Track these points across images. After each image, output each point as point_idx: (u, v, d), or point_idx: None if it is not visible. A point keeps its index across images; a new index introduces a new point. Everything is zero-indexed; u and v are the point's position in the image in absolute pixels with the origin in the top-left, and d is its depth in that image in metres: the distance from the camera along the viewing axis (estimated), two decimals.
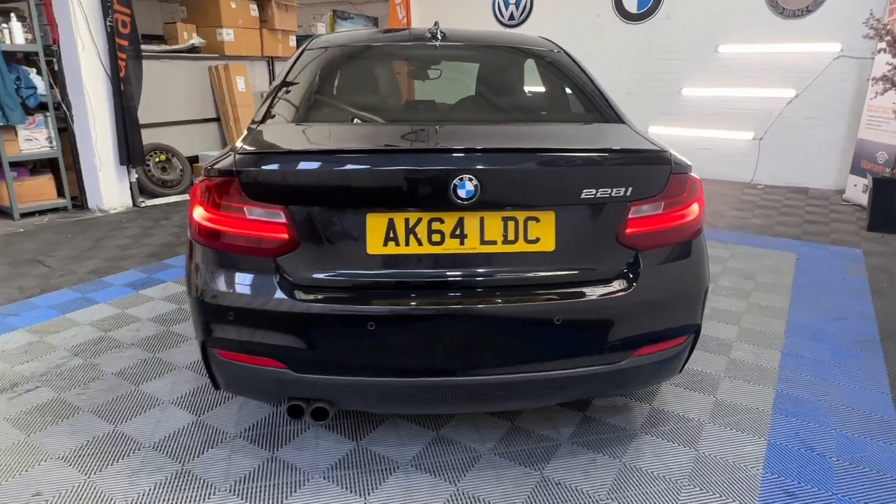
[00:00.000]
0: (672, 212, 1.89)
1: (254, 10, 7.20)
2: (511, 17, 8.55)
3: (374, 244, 1.77)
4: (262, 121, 2.22)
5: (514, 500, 1.95)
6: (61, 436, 2.28)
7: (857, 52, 6.41)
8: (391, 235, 1.76)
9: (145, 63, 5.86)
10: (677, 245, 1.93)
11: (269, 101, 2.34)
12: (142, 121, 5.85)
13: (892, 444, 2.25)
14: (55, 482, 2.03)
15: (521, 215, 1.79)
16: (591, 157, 1.85)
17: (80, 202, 5.88)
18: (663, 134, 7.75)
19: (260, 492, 1.98)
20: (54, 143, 5.60)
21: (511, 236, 1.79)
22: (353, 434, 2.28)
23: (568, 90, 2.60)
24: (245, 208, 1.77)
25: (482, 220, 1.77)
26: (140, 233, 5.11)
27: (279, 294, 1.75)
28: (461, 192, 1.70)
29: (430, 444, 2.22)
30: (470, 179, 1.69)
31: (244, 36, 7.12)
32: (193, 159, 6.72)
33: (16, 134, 5.35)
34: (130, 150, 5.67)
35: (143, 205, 6.04)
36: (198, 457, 2.16)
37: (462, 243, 1.78)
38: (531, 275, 1.82)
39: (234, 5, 6.91)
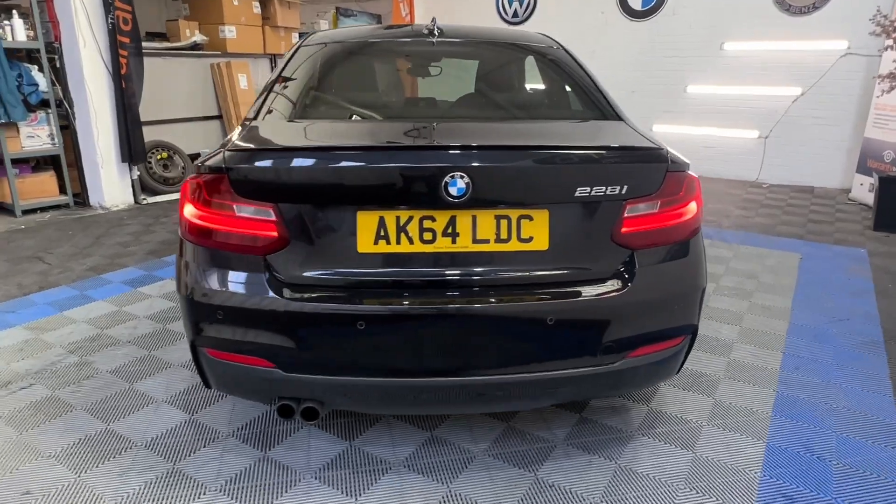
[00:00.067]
0: (669, 210, 1.86)
1: (256, 8, 7.19)
2: (515, 14, 8.51)
3: (365, 242, 1.74)
4: (256, 117, 2.20)
5: (506, 502, 1.92)
6: (53, 434, 2.27)
7: (864, 49, 6.33)
8: (382, 234, 1.74)
9: (148, 60, 5.86)
10: (674, 244, 1.90)
11: (263, 97, 2.32)
12: (144, 118, 5.85)
13: (893, 448, 2.21)
14: (45, 481, 2.02)
15: (514, 214, 1.76)
16: (585, 154, 1.82)
17: (82, 199, 5.89)
18: (668, 132, 7.70)
19: (250, 492, 1.96)
20: (56, 139, 5.61)
21: (504, 235, 1.77)
22: (347, 434, 2.26)
23: (566, 87, 2.57)
24: (234, 206, 1.75)
25: (474, 218, 1.75)
26: (141, 230, 5.11)
27: (268, 292, 1.73)
28: (452, 190, 1.67)
29: (424, 445, 2.20)
30: (461, 177, 1.66)
31: (246, 33, 7.12)
32: (195, 157, 6.71)
33: (18, 131, 5.37)
34: (132, 147, 5.67)
35: (144, 202, 6.04)
36: (189, 456, 2.14)
37: (454, 242, 1.75)
38: (524, 274, 1.79)
39: (236, 2, 6.90)
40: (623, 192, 1.78)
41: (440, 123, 2.11)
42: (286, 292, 1.74)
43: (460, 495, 1.95)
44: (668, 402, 2.49)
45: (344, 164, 1.73)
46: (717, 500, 1.94)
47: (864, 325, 3.25)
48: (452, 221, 1.74)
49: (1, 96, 5.07)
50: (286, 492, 1.97)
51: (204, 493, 1.96)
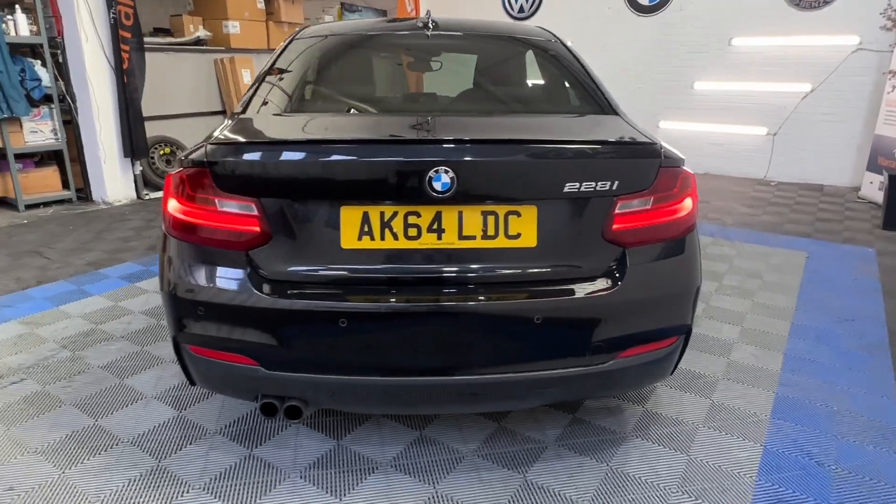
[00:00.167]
0: (662, 207, 1.81)
1: (260, 3, 7.17)
2: (521, 10, 8.44)
3: (349, 238, 1.71)
4: (244, 111, 2.17)
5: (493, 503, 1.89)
6: (42, 429, 2.26)
7: (875, 44, 6.22)
8: (366, 229, 1.70)
9: (151, 56, 5.86)
10: (668, 242, 1.85)
11: (252, 90, 2.28)
12: (147, 113, 5.85)
13: (895, 452, 2.15)
14: (30, 477, 2.00)
15: (501, 209, 1.72)
16: (574, 149, 1.77)
17: (84, 194, 5.90)
18: (674, 129, 7.62)
19: (234, 490, 1.94)
20: (59, 135, 5.61)
21: (491, 231, 1.72)
22: (335, 432, 2.23)
23: (561, 81, 2.52)
24: (216, 200, 1.72)
25: (460, 214, 1.71)
26: (142, 225, 5.11)
27: (250, 289, 1.70)
28: (437, 185, 1.63)
29: (413, 445, 2.17)
30: (446, 171, 1.62)
31: (250, 28, 7.10)
32: None
33: (21, 126, 5.38)
34: (134, 142, 5.67)
35: (147, 197, 6.04)
36: (175, 453, 2.12)
37: (439, 238, 1.71)
38: (512, 271, 1.75)
39: None
40: (614, 187, 1.73)
41: (428, 117, 2.07)
42: (268, 289, 1.71)
43: (446, 496, 1.92)
44: (664, 403, 2.44)
45: (326, 157, 1.69)
46: None
47: (869, 325, 3.18)
48: (438, 217, 1.70)
49: (4, 91, 5.08)
50: (270, 491, 1.94)
51: (187, 492, 1.93)
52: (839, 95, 6.54)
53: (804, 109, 6.77)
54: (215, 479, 1.99)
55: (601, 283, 1.77)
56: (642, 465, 2.07)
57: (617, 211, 1.76)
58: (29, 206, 5.55)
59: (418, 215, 1.70)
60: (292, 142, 1.80)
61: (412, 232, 1.71)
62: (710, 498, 1.92)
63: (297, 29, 2.78)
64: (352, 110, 2.30)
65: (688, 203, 1.87)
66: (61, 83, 5.56)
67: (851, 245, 4.60)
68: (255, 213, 1.70)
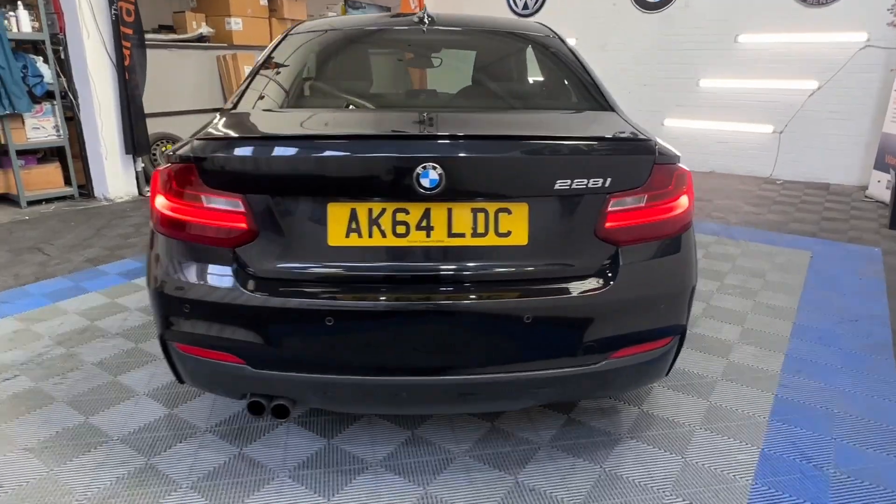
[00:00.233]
0: (656, 205, 1.77)
1: (263, 0, 7.15)
2: (525, 7, 8.38)
3: (336, 236, 1.68)
4: (235, 106, 2.15)
5: None
6: (32, 426, 2.25)
7: (883, 41, 6.13)
8: (353, 227, 1.68)
9: (154, 52, 5.85)
10: (662, 240, 1.81)
11: (245, 86, 2.26)
12: (149, 110, 5.84)
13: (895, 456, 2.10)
14: (18, 474, 1.99)
15: (491, 207, 1.68)
16: (565, 145, 1.73)
17: (87, 191, 5.90)
18: (679, 126, 7.55)
19: (222, 489, 1.92)
20: (61, 131, 5.62)
21: (481, 229, 1.69)
22: (326, 431, 2.21)
23: (558, 77, 2.48)
24: (203, 196, 1.70)
25: (450, 211, 1.68)
26: (142, 221, 5.10)
27: (236, 286, 1.68)
28: (424, 182, 1.60)
29: (404, 445, 2.14)
30: (434, 168, 1.59)
31: (253, 25, 7.08)
32: None
33: (23, 122, 5.38)
34: (135, 139, 5.67)
35: (148, 194, 6.04)
36: (165, 451, 2.10)
37: (428, 236, 1.68)
38: (502, 270, 1.72)
39: None
40: (607, 185, 1.70)
41: (419, 113, 2.04)
42: (254, 286, 1.68)
43: (436, 498, 1.89)
44: (661, 405, 2.41)
45: (312, 153, 1.67)
46: None
47: (873, 326, 3.12)
48: (427, 214, 1.67)
49: (6, 88, 5.09)
50: (258, 490, 1.92)
51: (175, 491, 1.91)
52: (846, 93, 6.46)
53: (811, 107, 6.69)
54: (203, 477, 1.97)
55: (593, 282, 1.73)
56: (636, 468, 2.04)
57: (610, 209, 1.73)
58: (31, 203, 5.56)
59: (407, 212, 1.67)
60: (277, 137, 1.78)
61: (400, 229, 1.68)
62: (704, 501, 1.88)
63: (291, 25, 2.76)
64: (343, 106, 2.28)
65: (683, 201, 1.83)
66: (63, 79, 5.56)
67: (857, 245, 4.54)
68: (242, 209, 1.68)
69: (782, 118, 6.88)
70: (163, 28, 6.98)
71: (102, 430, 2.23)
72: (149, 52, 5.80)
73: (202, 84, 6.81)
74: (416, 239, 1.69)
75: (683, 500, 1.88)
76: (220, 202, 1.69)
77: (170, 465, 2.03)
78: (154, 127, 6.02)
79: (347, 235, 1.68)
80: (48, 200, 5.67)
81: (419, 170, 1.59)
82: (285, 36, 2.54)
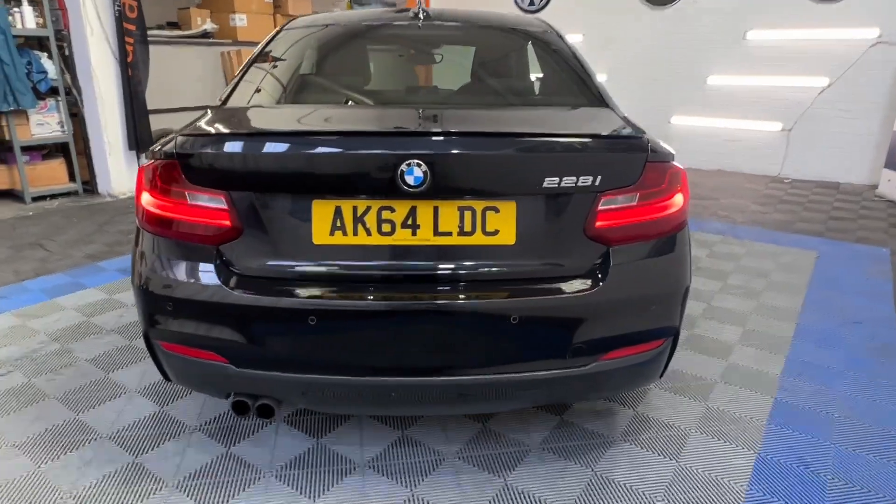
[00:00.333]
0: (649, 204, 1.73)
1: None
2: (531, 3, 8.32)
3: (320, 233, 1.65)
4: (225, 102, 2.13)
5: None
6: (23, 423, 2.24)
7: None
8: (338, 224, 1.65)
9: (158, 49, 5.86)
10: (655, 240, 1.77)
11: (235, 81, 2.24)
12: (153, 106, 5.85)
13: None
14: (5, 471, 1.98)
15: (478, 205, 1.65)
16: (553, 142, 1.69)
17: (91, 187, 5.92)
18: (687, 124, 7.46)
19: (207, 489, 1.90)
20: (65, 127, 5.64)
21: (468, 227, 1.66)
22: (315, 431, 2.19)
23: (553, 73, 2.44)
24: (186, 193, 1.68)
25: (436, 209, 1.64)
26: None
27: (218, 284, 1.66)
28: (409, 179, 1.56)
29: (393, 445, 2.12)
30: (418, 165, 1.56)
31: (257, 21, 7.07)
32: None
33: (27, 118, 5.40)
34: (138, 135, 5.68)
35: None
36: (152, 449, 2.09)
37: (414, 234, 1.65)
38: (489, 269, 1.69)
39: None
40: (597, 183, 1.66)
41: (407, 109, 2.01)
42: (236, 284, 1.66)
43: (422, 500, 1.86)
44: (657, 407, 2.36)
45: (295, 150, 1.64)
46: None
47: (878, 328, 3.06)
48: (413, 212, 1.64)
49: (10, 84, 5.11)
50: (243, 490, 1.90)
51: (160, 490, 1.90)
52: (857, 90, 6.34)
53: (821, 105, 6.58)
54: (189, 476, 1.96)
55: (583, 283, 1.69)
56: (628, 471, 2.00)
57: (600, 207, 1.69)
58: (35, 199, 5.58)
59: (392, 210, 1.64)
60: (259, 133, 1.76)
61: (386, 227, 1.65)
62: None
63: (289, 19, 2.74)
64: (334, 102, 2.25)
65: (677, 200, 1.78)
66: (67, 76, 5.58)
67: (865, 245, 4.45)
68: (225, 206, 1.66)
69: (791, 116, 6.78)
70: (171, 25, 6.99)
71: (92, 427, 2.22)
72: (153, 48, 5.81)
73: (206, 80, 6.81)
74: (402, 237, 1.66)
75: None
76: (203, 199, 1.67)
77: (157, 464, 2.02)
78: (158, 123, 6.03)
79: (332, 233, 1.65)
80: (52, 196, 5.70)
81: (403, 167, 1.56)
82: (279, 31, 2.52)
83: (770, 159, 7.00)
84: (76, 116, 5.73)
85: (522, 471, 2.00)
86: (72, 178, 5.83)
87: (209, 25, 6.71)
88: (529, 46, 2.61)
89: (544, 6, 8.22)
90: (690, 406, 2.38)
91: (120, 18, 5.36)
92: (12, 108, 5.19)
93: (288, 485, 1.93)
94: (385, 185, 1.59)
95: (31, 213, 5.23)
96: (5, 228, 4.77)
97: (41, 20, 5.38)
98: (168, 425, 2.23)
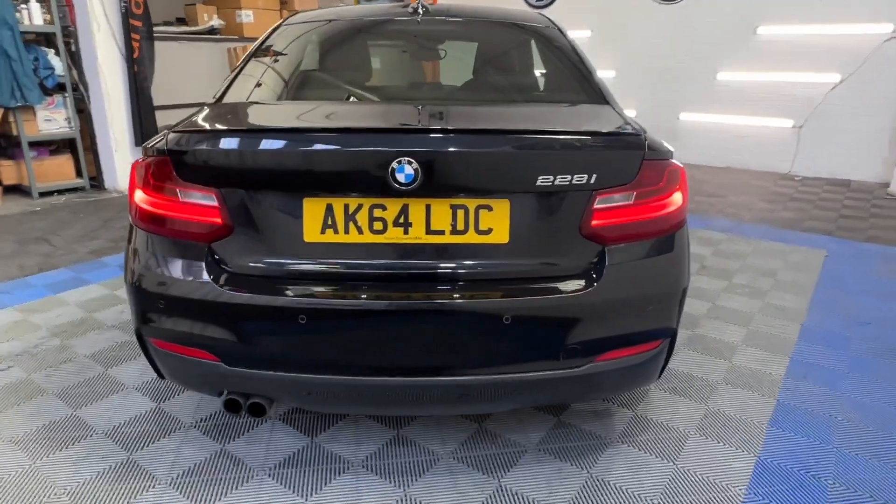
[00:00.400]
0: (646, 203, 1.70)
1: None
2: None
3: (311, 231, 1.64)
4: (220, 98, 2.12)
5: None
6: (20, 418, 2.25)
7: None
8: (329, 222, 1.63)
9: (165, 45, 5.87)
10: (652, 240, 1.74)
11: (231, 78, 2.23)
12: (160, 102, 5.87)
13: None
14: (1, 466, 1.99)
15: (471, 203, 1.63)
16: (547, 139, 1.66)
17: (98, 183, 5.95)
18: (696, 121, 7.38)
19: (200, 487, 1.90)
20: (73, 123, 5.67)
21: (460, 226, 1.63)
22: (310, 429, 2.18)
23: (552, 69, 2.40)
24: (178, 190, 1.67)
25: (428, 207, 1.62)
26: None
27: (209, 282, 1.64)
28: (400, 177, 1.54)
29: (388, 445, 2.10)
30: (409, 162, 1.54)
31: (264, 17, 7.07)
32: None
33: (35, 114, 5.43)
34: (144, 131, 5.69)
35: None
36: (147, 446, 2.09)
37: (406, 232, 1.63)
38: (483, 269, 1.66)
39: None
40: (592, 181, 1.63)
41: (402, 105, 1.98)
42: (228, 282, 1.65)
43: (415, 500, 1.85)
44: (656, 408, 2.33)
45: (285, 147, 1.62)
46: None
47: (886, 330, 3.00)
48: (405, 210, 1.62)
49: (17, 79, 5.14)
50: (237, 488, 1.90)
51: (153, 487, 1.90)
52: (870, 86, 6.24)
53: (832, 101, 6.48)
54: (183, 474, 1.96)
55: (577, 283, 1.66)
56: (625, 474, 1.97)
57: (596, 206, 1.66)
58: (43, 194, 5.62)
59: (384, 208, 1.62)
60: (249, 130, 1.74)
61: (377, 226, 1.63)
62: None
63: (289, 14, 2.72)
64: (328, 99, 2.23)
65: (676, 198, 1.75)
66: (74, 72, 5.60)
67: (875, 244, 4.38)
68: (216, 204, 1.65)
69: (802, 112, 6.68)
70: (179, 21, 7.00)
71: (88, 423, 2.22)
72: (160, 44, 5.82)
73: (212, 77, 6.81)
74: (394, 236, 1.64)
75: None
76: (194, 196, 1.66)
77: (151, 461, 2.02)
78: (165, 119, 6.02)
79: (323, 231, 1.63)
80: (60, 192, 5.74)
81: (394, 164, 1.54)
82: (276, 27, 2.51)
83: (780, 156, 6.91)
84: (83, 112, 5.76)
85: (517, 472, 1.97)
86: (79, 173, 5.87)
87: (216, 22, 6.72)
88: (533, 42, 2.58)
89: (552, 1, 8.15)
90: (691, 407, 2.34)
91: (126, 15, 5.38)
92: (20, 104, 5.22)
93: (281, 483, 1.92)
94: (376, 183, 1.57)
95: (38, 209, 5.27)
96: (12, 223, 4.80)
97: (48, 16, 5.40)
98: (164, 422, 2.23)
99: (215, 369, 1.71)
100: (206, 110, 1.96)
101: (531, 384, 1.70)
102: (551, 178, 1.60)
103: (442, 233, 1.64)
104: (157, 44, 5.76)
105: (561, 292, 1.65)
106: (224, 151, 1.64)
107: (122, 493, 1.87)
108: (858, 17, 6.16)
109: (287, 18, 2.60)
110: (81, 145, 5.77)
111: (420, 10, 2.48)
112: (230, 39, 6.88)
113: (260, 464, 2.01)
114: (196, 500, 1.84)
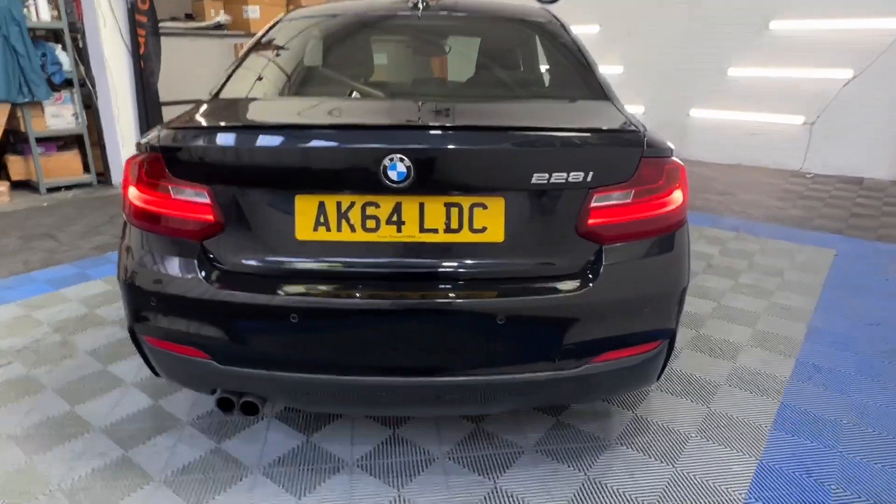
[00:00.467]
0: (644, 201, 1.66)
1: None
2: None
3: (304, 229, 1.62)
4: (217, 95, 2.11)
5: None
6: (18, 414, 2.26)
7: None
8: (322, 220, 1.61)
9: (172, 40, 5.87)
10: (650, 239, 1.70)
11: (229, 73, 2.21)
12: (167, 98, 5.88)
13: None
14: None
15: (465, 201, 1.60)
16: (543, 136, 1.63)
17: (105, 178, 5.98)
18: (706, 117, 7.30)
19: (193, 485, 1.89)
20: (80, 119, 5.69)
21: (454, 224, 1.61)
22: (306, 428, 2.17)
23: (554, 64, 2.36)
24: (170, 187, 1.65)
25: (422, 205, 1.60)
26: None
27: (200, 280, 1.63)
28: (392, 174, 1.52)
29: (384, 444, 2.08)
30: (401, 160, 1.51)
31: (270, 13, 7.04)
32: None
33: (42, 110, 5.46)
34: (150, 127, 5.70)
35: None
36: (143, 443, 2.09)
37: (399, 231, 1.61)
38: (477, 268, 1.63)
39: None
40: (588, 179, 1.59)
41: (399, 102, 1.96)
42: (219, 280, 1.63)
43: (408, 501, 1.83)
44: (657, 409, 2.30)
45: (277, 144, 1.60)
46: None
47: (894, 331, 2.94)
48: (398, 208, 1.60)
49: (25, 75, 5.16)
50: (230, 487, 1.89)
51: (146, 484, 1.89)
52: (883, 82, 6.13)
53: (845, 97, 6.37)
54: (177, 471, 1.95)
55: (573, 283, 1.63)
56: (622, 476, 1.94)
57: (592, 204, 1.63)
58: (50, 190, 5.65)
59: (377, 206, 1.60)
60: (241, 127, 1.72)
61: (370, 224, 1.61)
62: None
63: (289, 10, 2.70)
64: (324, 95, 2.21)
65: (675, 197, 1.71)
66: (81, 68, 5.62)
67: (885, 243, 4.30)
68: (208, 201, 1.63)
69: (814, 109, 6.58)
70: (188, 17, 7.01)
71: (86, 419, 2.22)
72: (167, 40, 5.82)
73: (219, 72, 6.81)
74: (387, 234, 1.61)
75: None
76: (186, 193, 1.64)
77: (146, 458, 2.01)
78: (171, 115, 6.02)
79: (316, 229, 1.61)
80: (67, 187, 5.76)
81: (386, 162, 1.51)
82: (275, 23, 2.49)
83: (791, 153, 6.81)
84: (90, 108, 5.78)
85: (513, 473, 1.95)
86: (86, 169, 5.89)
87: (222, 17, 6.72)
88: (535, 37, 2.54)
89: None
90: (692, 409, 2.31)
91: (132, 11, 5.38)
92: (27, 100, 5.24)
93: (274, 482, 1.91)
94: (368, 181, 1.55)
95: (45, 204, 5.30)
96: (19, 219, 4.83)
97: (55, 12, 5.42)
98: (161, 419, 2.22)
99: (207, 367, 1.69)
100: (203, 107, 1.95)
101: (526, 385, 1.68)
102: (547, 175, 1.56)
103: (436, 231, 1.61)
104: (163, 39, 5.76)
105: (557, 292, 1.62)
106: (215, 148, 1.62)
107: (116, 490, 1.86)
108: (872, 12, 6.04)
109: (286, 14, 2.58)
110: (89, 141, 5.79)
111: (420, 6, 2.45)
112: (237, 35, 6.87)
113: (254, 462, 2.00)
114: (189, 499, 1.83)
